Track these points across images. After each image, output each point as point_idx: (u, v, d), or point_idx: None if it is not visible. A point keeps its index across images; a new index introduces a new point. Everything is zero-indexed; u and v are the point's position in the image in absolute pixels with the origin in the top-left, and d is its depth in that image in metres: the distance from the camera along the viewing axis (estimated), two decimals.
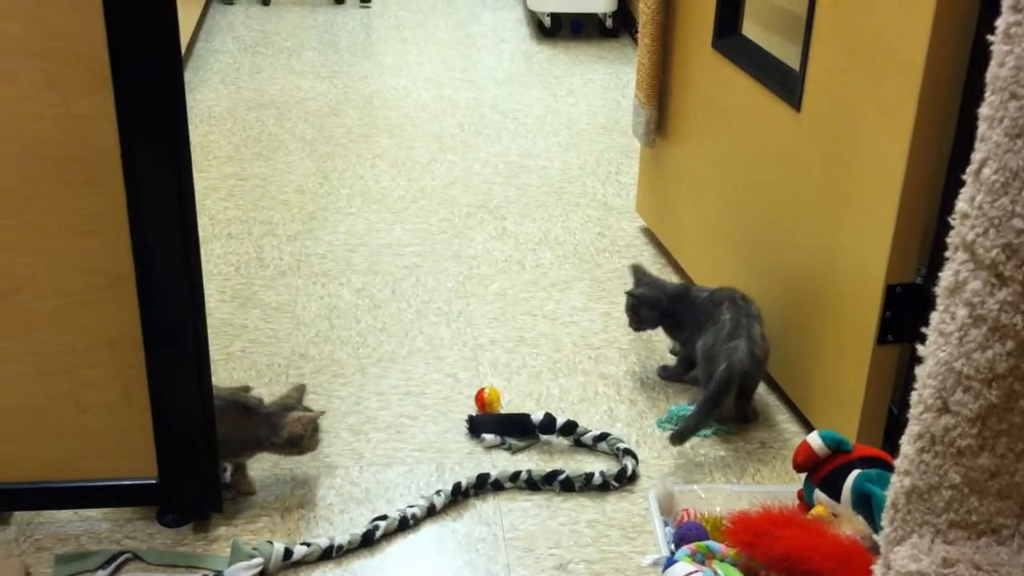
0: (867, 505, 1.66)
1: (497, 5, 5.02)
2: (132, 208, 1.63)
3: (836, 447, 1.76)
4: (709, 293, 2.25)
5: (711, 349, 2.15)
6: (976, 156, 1.03)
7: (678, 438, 2.06)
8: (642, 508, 1.97)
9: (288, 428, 1.89)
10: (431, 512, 1.94)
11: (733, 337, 2.12)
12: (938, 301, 1.09)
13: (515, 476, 2.02)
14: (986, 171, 1.02)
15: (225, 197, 3.11)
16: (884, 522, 1.18)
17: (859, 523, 1.66)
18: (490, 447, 2.12)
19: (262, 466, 2.04)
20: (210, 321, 2.21)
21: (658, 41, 2.68)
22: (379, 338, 2.47)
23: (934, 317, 1.09)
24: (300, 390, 2.01)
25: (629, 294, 2.31)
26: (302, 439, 1.91)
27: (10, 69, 1.53)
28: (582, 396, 2.29)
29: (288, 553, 1.81)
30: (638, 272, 2.36)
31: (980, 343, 1.05)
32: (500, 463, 2.08)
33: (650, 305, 2.28)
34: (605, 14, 4.52)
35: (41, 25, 1.51)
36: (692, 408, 2.12)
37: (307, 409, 1.97)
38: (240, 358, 2.38)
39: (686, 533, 1.74)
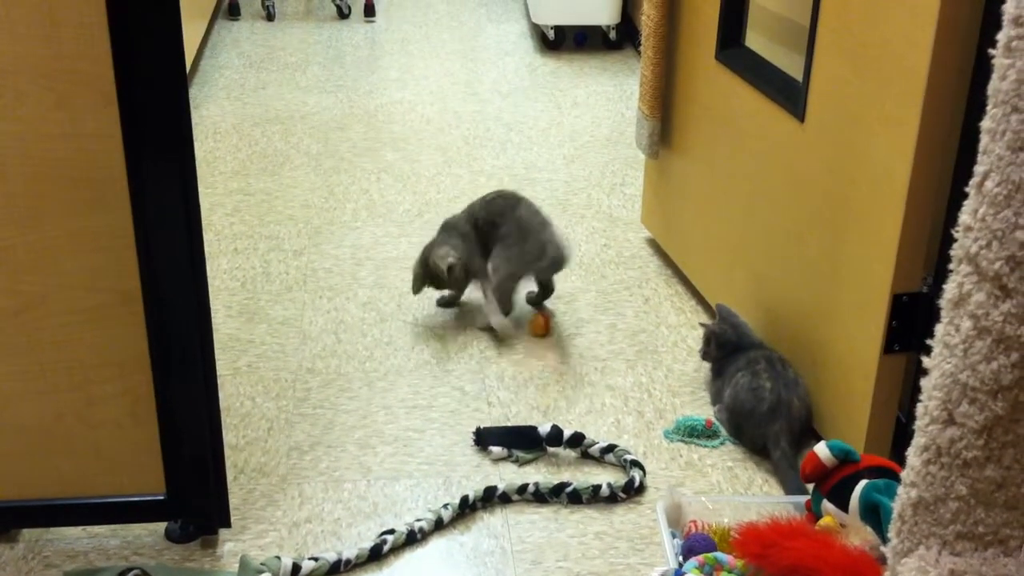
0: (875, 515, 1.66)
1: (501, 18, 5.04)
2: (139, 225, 1.64)
3: (844, 457, 1.76)
4: (750, 348, 2.23)
5: (749, 414, 2.13)
6: (979, 169, 1.04)
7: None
8: (650, 520, 1.97)
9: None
10: (439, 526, 1.95)
11: (774, 418, 2.08)
12: (943, 313, 1.09)
13: (522, 488, 2.02)
14: (988, 184, 1.02)
15: (231, 212, 3.12)
16: (891, 534, 1.18)
17: (867, 533, 1.66)
18: (497, 460, 2.13)
19: (270, 480, 2.05)
20: (217, 336, 2.22)
21: (661, 53, 2.69)
22: (385, 352, 2.47)
23: (939, 329, 1.10)
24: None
25: (703, 326, 2.33)
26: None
27: (20, 89, 1.54)
28: (589, 408, 2.29)
29: (296, 568, 1.81)
30: (724, 311, 2.32)
31: (985, 355, 1.05)
32: (507, 476, 2.08)
33: (720, 343, 2.27)
34: (608, 26, 4.53)
35: (50, 46, 1.52)
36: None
37: None
38: (247, 373, 2.39)
39: (694, 545, 1.74)
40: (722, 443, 2.18)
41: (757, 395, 2.11)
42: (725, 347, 2.26)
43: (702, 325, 2.36)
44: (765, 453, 2.10)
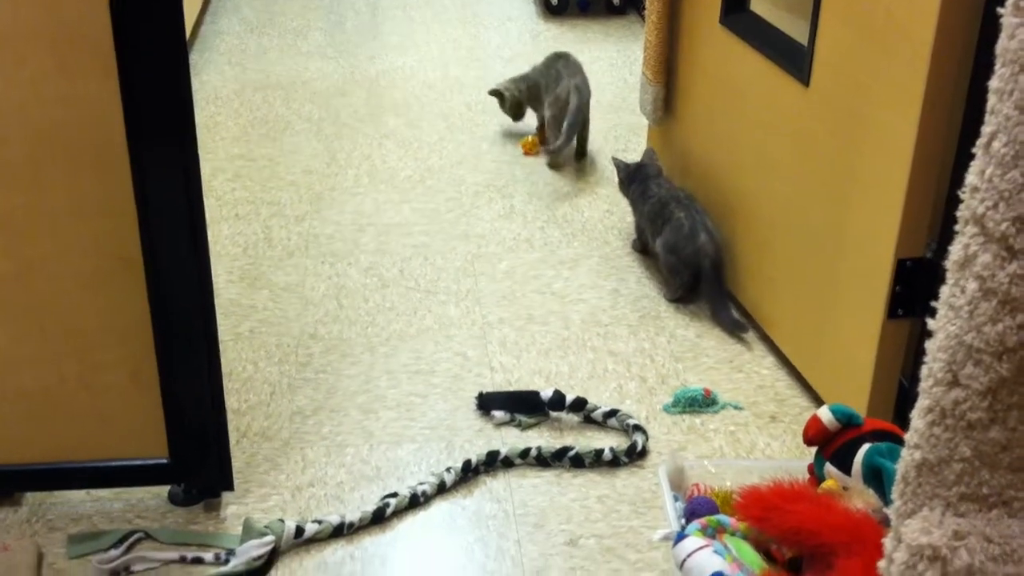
0: (878, 479, 1.66)
1: None
2: (139, 190, 1.63)
3: (846, 421, 1.76)
4: (655, 194, 2.62)
5: (674, 245, 2.50)
6: (986, 129, 1.03)
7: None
8: (652, 483, 1.98)
9: None
10: (441, 489, 1.95)
11: (695, 233, 2.47)
12: (948, 275, 1.08)
13: (525, 453, 2.02)
14: (996, 144, 1.01)
15: (232, 178, 3.11)
16: (895, 495, 1.17)
17: (870, 497, 1.66)
18: (500, 424, 2.13)
19: (273, 444, 2.06)
20: (218, 302, 2.22)
21: (665, 18, 2.67)
22: (388, 317, 2.47)
23: (944, 291, 1.09)
24: None
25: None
26: None
27: (21, 53, 1.54)
28: (591, 373, 2.29)
29: (299, 531, 1.82)
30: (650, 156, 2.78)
31: (990, 316, 1.04)
32: (510, 440, 2.09)
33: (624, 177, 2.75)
34: None
35: (51, 10, 1.51)
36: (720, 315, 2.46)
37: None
38: (249, 338, 2.38)
39: (696, 508, 1.74)
40: (723, 408, 2.18)
41: (675, 227, 2.51)
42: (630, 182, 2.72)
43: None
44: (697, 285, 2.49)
